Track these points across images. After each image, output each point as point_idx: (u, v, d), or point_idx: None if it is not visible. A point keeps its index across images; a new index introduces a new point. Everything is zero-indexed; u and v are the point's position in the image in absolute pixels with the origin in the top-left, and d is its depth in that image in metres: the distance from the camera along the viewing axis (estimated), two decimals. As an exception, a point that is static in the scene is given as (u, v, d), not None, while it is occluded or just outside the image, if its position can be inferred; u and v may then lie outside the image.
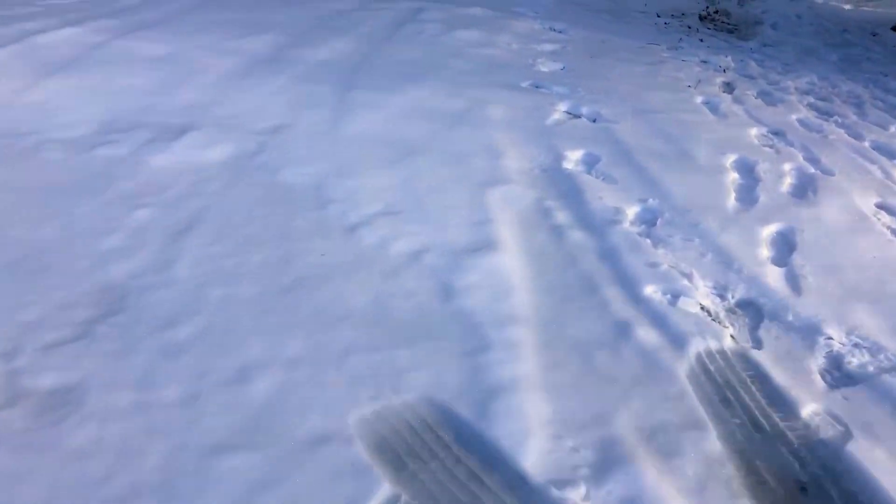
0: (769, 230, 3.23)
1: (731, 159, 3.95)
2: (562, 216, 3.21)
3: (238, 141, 3.71)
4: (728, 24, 7.86)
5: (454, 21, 6.43)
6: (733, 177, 3.74)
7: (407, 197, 3.27)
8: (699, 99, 4.99)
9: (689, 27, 7.36)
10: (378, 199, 3.23)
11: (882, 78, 5.90)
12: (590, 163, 3.79)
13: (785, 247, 3.12)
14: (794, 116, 4.80)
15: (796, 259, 3.01)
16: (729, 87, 5.41)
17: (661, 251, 2.97)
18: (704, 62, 6.06)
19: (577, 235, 3.06)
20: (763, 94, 5.30)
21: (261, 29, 5.68)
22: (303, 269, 2.69)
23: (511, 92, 4.74)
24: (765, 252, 3.05)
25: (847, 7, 9.60)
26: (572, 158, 3.80)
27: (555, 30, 6.70)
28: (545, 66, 5.47)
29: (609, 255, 2.92)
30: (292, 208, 3.10)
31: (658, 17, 7.79)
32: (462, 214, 3.14)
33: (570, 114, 4.52)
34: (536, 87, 4.99)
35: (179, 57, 4.83)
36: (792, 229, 3.23)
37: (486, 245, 2.92)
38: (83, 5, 5.77)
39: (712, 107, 4.86)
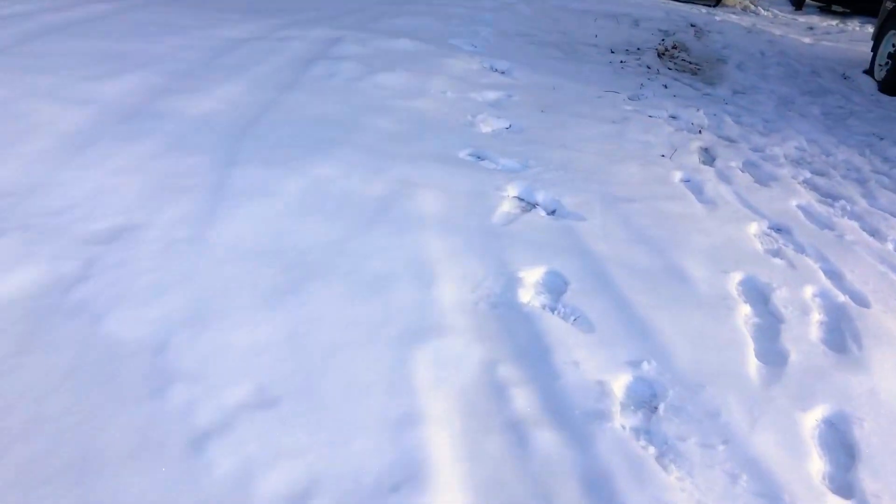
0: (813, 418, 2.32)
1: (735, 279, 3.05)
2: (522, 399, 2.22)
3: (53, 258, 2.60)
4: (689, 62, 7.07)
5: (377, 59, 5.40)
6: (745, 312, 2.83)
7: (292, 368, 2.23)
8: (678, 175, 4.11)
9: (649, 67, 6.53)
10: (246, 373, 2.18)
11: (877, 142, 5.16)
12: (554, 290, 2.82)
13: (841, 451, 2.21)
14: (794, 202, 3.96)
15: (863, 478, 2.09)
16: (709, 156, 4.55)
17: (674, 474, 2.01)
18: (674, 118, 5.20)
19: (546, 442, 2.07)
20: (750, 167, 4.45)
21: (130, 65, 4.54)
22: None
23: (446, 167, 3.74)
24: (817, 465, 2.13)
25: (807, 41, 9.01)
26: (530, 282, 2.83)
27: (497, 70, 5.75)
28: (488, 125, 4.50)
29: (598, 487, 1.94)
30: (110, 397, 2.02)
31: (612, 52, 6.94)
32: (375, 405, 2.12)
33: (522, 201, 3.55)
34: (478, 157, 4.01)
35: (3, 109, 3.66)
36: (844, 416, 2.33)
37: (409, 477, 1.90)
38: None
39: (695, 187, 3.98)
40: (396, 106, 4.52)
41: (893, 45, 7.02)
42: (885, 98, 6.54)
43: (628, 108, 5.26)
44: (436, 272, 2.81)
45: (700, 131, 4.95)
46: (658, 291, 2.86)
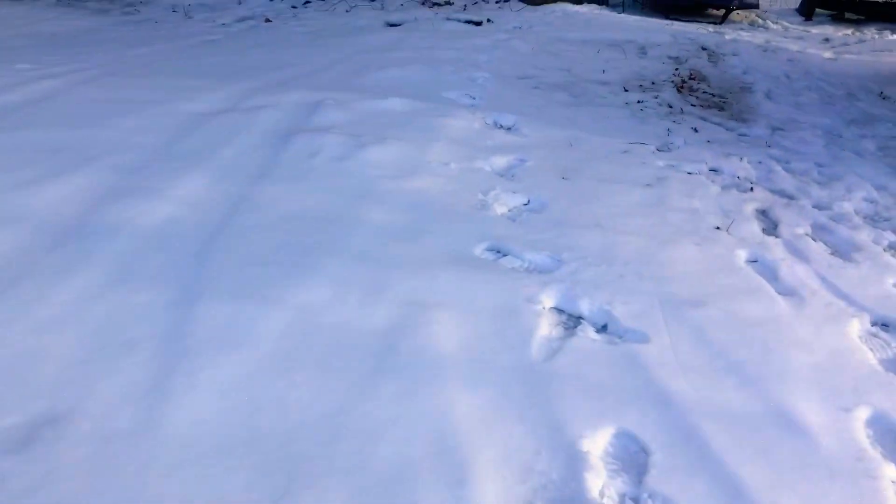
0: None
1: (861, 419, 2.33)
2: None
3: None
4: (712, 94, 6.41)
5: (364, 126, 4.72)
6: (892, 475, 2.11)
7: None
8: (742, 255, 3.41)
9: (671, 106, 5.86)
10: None
11: (954, 182, 4.47)
12: (632, 466, 2.11)
13: None
14: (892, 281, 3.25)
15: None
16: (770, 222, 3.86)
17: None
18: (716, 171, 4.51)
19: None
20: (822, 232, 3.76)
21: (72, 161, 3.85)
22: None
23: (462, 273, 3.03)
24: None
25: (828, 56, 8.37)
26: (597, 455, 2.12)
27: (503, 126, 5.08)
28: (502, 203, 3.81)
29: None
30: None
31: (625, 90, 6.28)
32: None
33: (562, 313, 2.85)
34: (498, 253, 3.31)
35: None
36: None
37: None
38: None
39: (768, 272, 3.28)
40: (392, 189, 3.82)
41: (937, 60, 6.38)
42: (940, 122, 5.89)
43: (661, 163, 4.57)
44: (468, 454, 2.09)
45: (751, 188, 4.26)
46: (771, 455, 2.14)
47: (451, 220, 3.55)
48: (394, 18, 9.12)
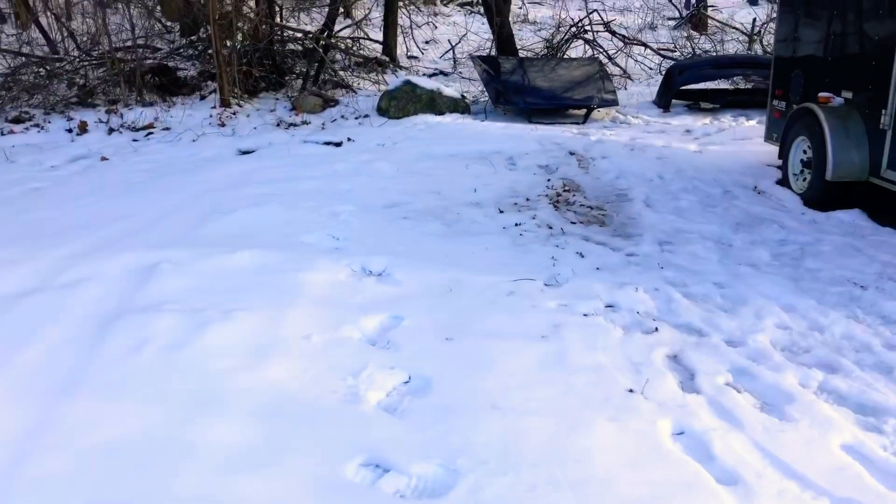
0: None
1: None
2: None
3: None
4: (590, 207, 6.11)
5: (207, 296, 4.01)
6: None
7: None
8: (666, 428, 2.90)
9: (550, 227, 5.48)
10: None
11: (860, 293, 4.21)
12: None
13: None
14: (837, 443, 2.82)
15: None
16: (685, 372, 3.42)
17: None
18: (612, 308, 4.08)
19: None
20: (745, 379, 3.34)
21: None
22: None
23: (332, 518, 2.34)
24: None
25: (693, 149, 8.41)
26: None
27: (373, 273, 4.50)
28: (378, 388, 3.20)
29: None
30: None
31: (501, 212, 5.88)
32: None
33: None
34: (378, 468, 2.65)
35: None
36: None
37: None
38: None
39: (701, 451, 2.78)
40: (239, 388, 3.11)
41: (805, 152, 6.37)
42: (820, 216, 5.78)
43: (552, 303, 4.09)
44: None
45: (656, 328, 3.81)
46: None
47: (316, 426, 2.87)
48: (246, 145, 8.52)
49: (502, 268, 4.64)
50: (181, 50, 12.80)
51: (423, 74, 13.66)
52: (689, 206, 6.08)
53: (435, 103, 9.78)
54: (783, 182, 6.69)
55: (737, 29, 17.72)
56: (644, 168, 7.37)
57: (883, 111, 5.58)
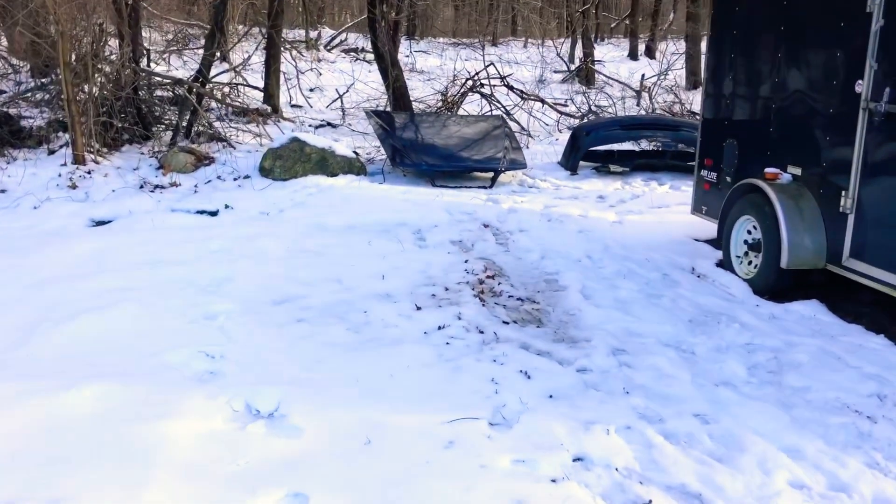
0: None
1: None
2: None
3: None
4: (520, 300, 5.24)
5: (23, 476, 2.80)
6: None
7: None
8: None
9: (481, 332, 4.56)
10: None
11: (870, 426, 3.50)
12: None
13: None
14: None
15: None
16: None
17: None
18: (582, 462, 3.17)
19: None
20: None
21: None
22: None
23: None
24: None
25: (613, 219, 7.76)
26: None
27: (261, 414, 3.42)
28: None
29: None
30: None
31: (419, 308, 4.90)
32: None
33: None
34: None
35: None
36: None
37: None
38: None
39: None
40: None
41: (749, 233, 5.76)
42: (777, 309, 5.14)
43: (505, 461, 3.13)
44: None
45: (647, 500, 2.91)
46: None
47: None
48: (101, 213, 7.18)
49: (432, 399, 3.65)
50: (29, 94, 11.20)
51: (310, 126, 12.64)
52: (630, 297, 5.30)
53: (326, 163, 8.73)
54: (725, 264, 6.06)
55: (625, 84, 17.76)
56: (568, 245, 6.59)
57: (843, 193, 5.02)
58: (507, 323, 4.78)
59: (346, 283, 5.37)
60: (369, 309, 4.88)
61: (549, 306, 5.15)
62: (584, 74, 20.28)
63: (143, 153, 9.59)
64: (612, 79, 19.21)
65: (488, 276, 5.65)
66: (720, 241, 6.20)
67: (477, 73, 13.30)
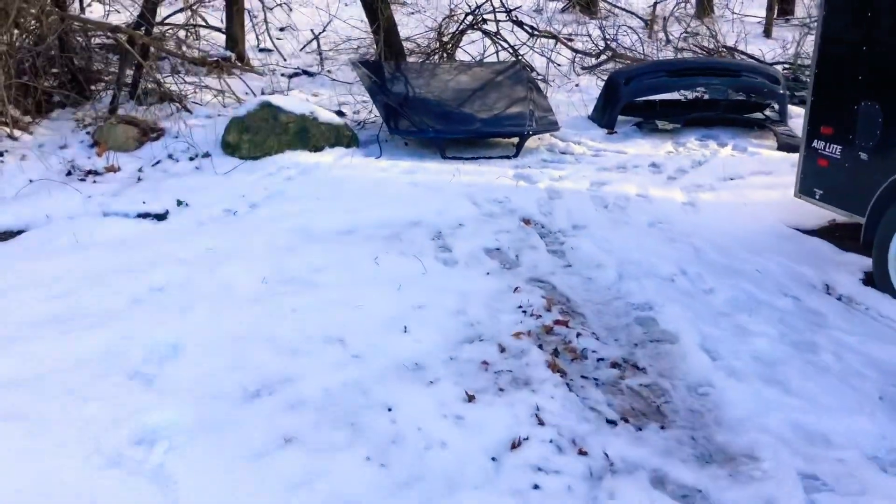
0: None
1: None
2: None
3: None
4: (615, 364, 3.53)
5: None
6: None
7: None
8: None
9: (582, 451, 2.88)
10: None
11: None
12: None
13: None
14: None
15: None
16: None
17: None
18: None
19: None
20: None
21: None
22: None
23: None
24: None
25: (681, 200, 6.01)
26: None
27: None
28: None
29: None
30: None
31: (470, 399, 3.18)
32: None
33: None
34: None
35: None
36: None
37: None
38: None
39: None
40: None
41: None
42: None
43: None
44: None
45: None
46: None
47: None
48: (6, 220, 5.32)
49: None
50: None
51: (282, 75, 10.65)
52: (774, 353, 3.61)
53: (308, 134, 6.84)
54: (878, 282, 4.37)
55: (634, 14, 15.75)
56: (646, 250, 4.87)
57: None
58: (614, 423, 3.07)
59: (353, 343, 3.62)
60: (395, 402, 3.14)
61: (662, 377, 3.44)
62: (586, 1, 18.05)
63: (76, 119, 7.63)
64: (617, 6, 17.13)
65: (558, 322, 3.91)
66: (868, 248, 4.50)
67: (479, 6, 11.25)
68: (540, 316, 3.97)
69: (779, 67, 10.76)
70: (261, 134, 6.67)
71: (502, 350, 3.62)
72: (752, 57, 11.33)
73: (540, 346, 3.65)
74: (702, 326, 3.84)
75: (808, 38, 11.95)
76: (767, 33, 15.08)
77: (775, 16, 16.07)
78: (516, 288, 4.31)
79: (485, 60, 10.24)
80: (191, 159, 6.66)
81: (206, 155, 6.68)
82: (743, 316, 3.99)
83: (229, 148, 6.69)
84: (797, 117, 8.83)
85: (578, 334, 3.78)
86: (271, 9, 14.00)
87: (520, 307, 4.07)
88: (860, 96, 4.74)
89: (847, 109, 4.84)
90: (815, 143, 5.18)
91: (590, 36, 12.44)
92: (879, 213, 4.38)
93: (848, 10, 4.87)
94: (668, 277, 4.49)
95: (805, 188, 5.31)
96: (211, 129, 7.13)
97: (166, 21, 10.97)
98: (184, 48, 10.20)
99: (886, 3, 4.55)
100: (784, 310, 4.10)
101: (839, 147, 4.95)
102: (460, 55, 11.21)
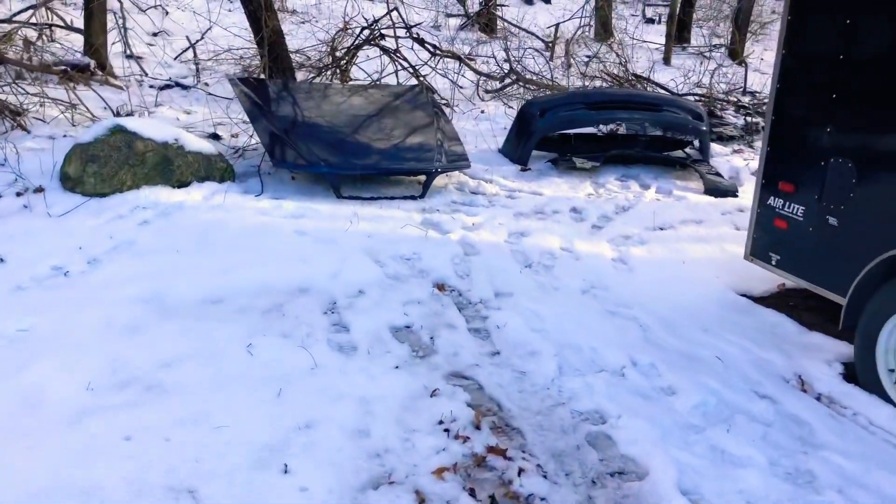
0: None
1: None
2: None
3: None
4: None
5: None
6: None
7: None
8: None
9: None
10: None
11: None
12: None
13: None
14: None
15: None
16: None
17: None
18: None
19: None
20: None
21: None
22: None
23: None
24: None
25: (611, 256, 5.27)
26: None
27: None
28: None
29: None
30: None
31: None
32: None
33: None
34: None
35: None
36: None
37: None
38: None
39: None
40: None
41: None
42: None
43: None
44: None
45: None
46: None
47: None
48: None
49: None
50: None
51: (151, 87, 9.34)
52: (770, 495, 2.81)
53: (171, 166, 5.66)
54: (861, 378, 3.67)
55: (534, 35, 15.20)
56: (585, 330, 4.03)
57: None
58: None
59: (209, 496, 2.55)
60: None
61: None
62: (485, 20, 17.37)
63: None
64: (517, 26, 16.54)
65: (491, 449, 2.97)
66: (848, 333, 3.82)
67: (377, 20, 10.27)
68: (468, 438, 3.02)
69: (691, 98, 10.38)
70: (110, 165, 5.43)
71: (421, 501, 2.64)
72: (664, 88, 10.88)
73: (471, 493, 2.70)
74: (673, 451, 3.00)
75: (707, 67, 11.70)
76: (667, 61, 14.87)
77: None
78: (434, 391, 3.35)
79: (384, 81, 9.28)
80: (18, 195, 5.34)
81: (39, 189, 5.38)
82: (719, 432, 3.18)
83: (69, 182, 5.41)
84: (718, 155, 8.37)
85: (520, 471, 2.85)
86: (144, 10, 12.60)
87: (440, 423, 3.11)
88: (829, 151, 4.08)
89: (812, 165, 4.17)
90: (770, 201, 4.50)
91: (495, 57, 11.69)
92: (864, 296, 3.69)
93: (812, 52, 4.21)
94: (616, 370, 3.64)
95: (758, 251, 4.62)
96: (51, 153, 5.82)
97: (14, 19, 9.48)
98: (32, 51, 8.76)
99: (858, 45, 3.91)
100: (763, 420, 3.32)
101: (801, 208, 4.27)
102: (356, 73, 10.20)
